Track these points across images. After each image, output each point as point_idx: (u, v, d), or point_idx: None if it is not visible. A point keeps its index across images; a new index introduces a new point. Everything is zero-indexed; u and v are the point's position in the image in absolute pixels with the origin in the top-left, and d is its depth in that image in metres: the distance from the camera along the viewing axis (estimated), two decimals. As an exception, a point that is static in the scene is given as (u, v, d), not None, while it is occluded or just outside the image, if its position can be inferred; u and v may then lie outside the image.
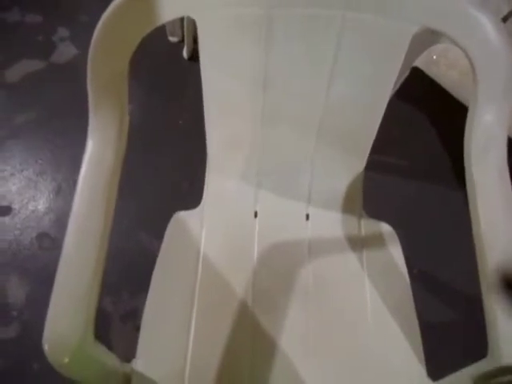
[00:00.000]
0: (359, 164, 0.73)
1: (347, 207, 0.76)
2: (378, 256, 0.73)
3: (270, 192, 0.77)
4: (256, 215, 0.76)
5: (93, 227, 0.50)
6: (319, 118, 0.67)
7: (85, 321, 0.47)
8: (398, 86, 1.02)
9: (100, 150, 0.52)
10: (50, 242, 1.13)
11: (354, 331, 0.67)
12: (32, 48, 1.37)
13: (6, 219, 1.15)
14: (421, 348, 0.64)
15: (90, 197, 0.50)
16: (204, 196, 0.76)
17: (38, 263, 1.11)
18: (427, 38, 0.85)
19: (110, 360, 0.55)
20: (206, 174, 0.76)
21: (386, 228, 0.75)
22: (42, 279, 1.08)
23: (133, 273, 1.05)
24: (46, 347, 0.46)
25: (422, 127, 1.28)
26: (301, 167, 0.75)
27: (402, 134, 1.24)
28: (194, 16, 0.52)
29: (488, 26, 0.51)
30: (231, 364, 0.63)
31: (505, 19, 0.81)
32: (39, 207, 1.17)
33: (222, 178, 0.76)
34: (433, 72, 0.87)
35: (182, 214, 0.75)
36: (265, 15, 0.53)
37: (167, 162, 1.23)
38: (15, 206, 1.17)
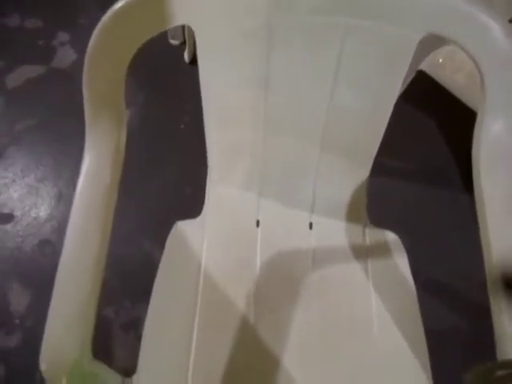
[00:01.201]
0: (363, 172, 0.71)
1: (351, 216, 0.75)
2: (384, 265, 0.71)
3: (273, 200, 0.76)
4: (258, 224, 0.75)
5: (89, 245, 0.48)
6: (322, 126, 0.65)
7: (82, 340, 0.46)
8: (402, 89, 1.00)
9: (97, 163, 0.51)
10: (52, 248, 1.13)
11: (359, 341, 0.65)
12: (32, 53, 1.36)
13: (8, 227, 1.15)
14: (427, 357, 0.63)
15: (87, 212, 0.49)
16: (205, 205, 0.75)
17: (40, 270, 1.10)
18: (433, 40, 0.83)
19: (111, 377, 0.54)
20: (207, 182, 0.75)
21: (391, 237, 0.73)
22: (44, 286, 1.07)
23: (135, 280, 1.04)
24: (42, 367, 0.45)
25: (427, 130, 1.26)
26: (304, 175, 0.74)
27: (407, 137, 1.22)
28: (192, 26, 0.50)
29: (497, 31, 0.50)
30: (233, 377, 0.62)
31: (512, 21, 0.78)
32: (41, 214, 1.16)
33: (224, 186, 0.75)
34: (438, 75, 0.85)
35: (182, 224, 0.74)
36: (266, 24, 0.51)
37: (169, 167, 1.22)
38: (17, 214, 1.16)
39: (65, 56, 1.36)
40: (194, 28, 0.50)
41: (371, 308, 0.67)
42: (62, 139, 1.23)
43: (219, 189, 0.75)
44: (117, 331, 0.98)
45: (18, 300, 1.07)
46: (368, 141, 0.65)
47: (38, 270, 1.10)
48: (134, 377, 0.61)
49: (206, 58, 0.56)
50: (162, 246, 0.70)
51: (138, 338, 0.62)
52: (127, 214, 1.12)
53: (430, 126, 1.26)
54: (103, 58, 0.48)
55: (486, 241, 0.50)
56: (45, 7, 1.43)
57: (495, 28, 0.50)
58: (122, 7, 0.48)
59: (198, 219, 0.74)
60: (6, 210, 1.16)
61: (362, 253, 0.72)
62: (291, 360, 0.63)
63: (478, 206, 0.53)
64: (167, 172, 1.21)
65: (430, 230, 1.11)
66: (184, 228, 0.73)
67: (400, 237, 0.74)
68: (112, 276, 1.03)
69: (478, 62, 0.52)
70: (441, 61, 0.84)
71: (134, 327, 0.98)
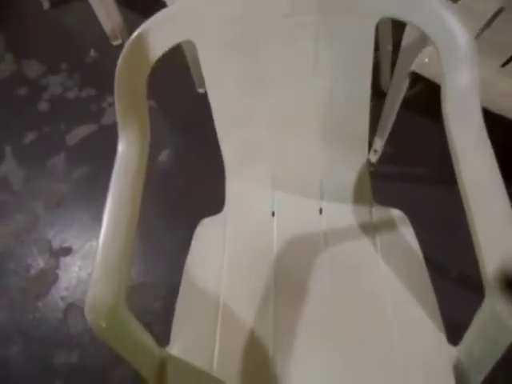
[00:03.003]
0: (362, 155, 0.79)
1: (357, 198, 0.82)
2: (391, 238, 0.76)
3: (285, 192, 0.84)
4: (273, 214, 0.83)
5: (122, 214, 0.60)
6: (316, 116, 0.76)
7: (117, 287, 0.55)
8: (401, 94, 1.09)
9: (127, 153, 0.65)
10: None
11: (372, 309, 0.69)
12: (86, 115, 1.62)
13: (68, 258, 1.31)
14: (439, 318, 0.65)
15: (121, 187, 0.61)
16: (226, 202, 0.85)
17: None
18: (416, 43, 0.94)
19: (145, 335, 0.62)
20: (226, 181, 0.85)
21: (396, 213, 0.79)
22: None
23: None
24: (87, 314, 0.55)
25: (430, 130, 1.32)
26: (310, 166, 0.83)
27: (413, 140, 1.28)
28: (193, 40, 0.65)
29: (436, 4, 0.59)
30: (254, 351, 0.67)
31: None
32: (94, 246, 1.32)
33: (240, 184, 0.85)
34: (428, 73, 0.94)
35: (207, 220, 0.84)
36: (249, 30, 0.65)
37: (201, 196, 1.34)
38: (75, 247, 1.33)
39: (112, 114, 1.58)
40: (195, 42, 0.65)
41: (382, 277, 0.72)
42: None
43: (237, 186, 0.85)
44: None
45: (76, 322, 1.19)
46: (357, 123, 0.74)
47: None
48: (168, 347, 0.68)
49: (207, 67, 0.69)
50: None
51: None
52: (166, 236, 1.24)
53: (432, 123, 1.32)
54: (129, 69, 0.63)
55: (461, 182, 0.56)
56: (98, 79, 1.72)
57: (437, 4, 0.60)
58: (141, 30, 0.64)
59: (221, 215, 0.84)
60: (66, 244, 1.33)
61: (369, 229, 0.78)
62: (310, 328, 0.68)
63: (452, 153, 0.59)
64: (200, 200, 1.33)
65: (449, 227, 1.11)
66: (208, 224, 0.83)
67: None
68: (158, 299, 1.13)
69: (431, 36, 0.61)
70: (427, 60, 0.93)
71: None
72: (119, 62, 0.64)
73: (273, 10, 0.63)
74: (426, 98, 1.37)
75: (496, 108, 0.85)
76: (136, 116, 0.67)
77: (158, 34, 0.63)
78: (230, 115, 0.78)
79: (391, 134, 1.24)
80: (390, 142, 1.27)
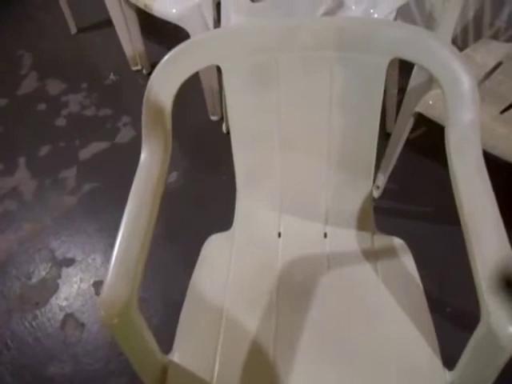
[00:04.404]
0: (367, 184, 0.83)
1: (361, 225, 0.85)
2: (392, 265, 0.79)
3: (292, 215, 0.88)
4: (280, 235, 0.87)
5: (141, 218, 0.63)
6: (326, 144, 0.81)
7: (131, 287, 0.58)
8: (405, 134, 1.15)
9: (149, 162, 0.69)
10: (105, 288, 1.27)
11: (371, 330, 0.71)
12: (101, 133, 1.68)
13: (70, 269, 1.32)
14: (436, 342, 0.67)
15: (141, 193, 0.65)
16: (234, 220, 0.89)
17: (93, 307, 1.24)
18: (421, 86, 1.01)
19: (151, 338, 0.64)
20: (236, 201, 0.89)
21: (397, 241, 0.82)
22: (95, 322, 1.20)
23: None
24: (100, 309, 0.57)
25: (431, 169, 1.39)
26: (317, 191, 0.87)
27: (414, 178, 1.35)
28: (219, 64, 0.71)
29: (445, 51, 0.66)
30: (255, 362, 0.69)
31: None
32: (97, 259, 1.34)
33: (250, 203, 0.89)
34: (432, 114, 1.01)
35: (215, 236, 0.87)
36: (273, 58, 0.71)
37: (205, 217, 1.38)
38: (78, 258, 1.35)
39: (126, 134, 1.67)
40: (221, 65, 0.71)
41: (381, 300, 0.74)
42: (119, 199, 1.44)
43: (246, 206, 0.89)
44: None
45: (73, 333, 1.19)
46: (364, 154, 0.79)
47: (90, 308, 1.24)
48: (171, 354, 0.70)
49: (231, 89, 0.75)
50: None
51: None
52: (172, 254, 1.27)
53: (432, 163, 1.38)
54: (157, 89, 0.69)
55: (460, 206, 0.60)
56: (115, 100, 1.81)
57: (444, 49, 0.66)
58: (175, 52, 0.70)
59: (229, 232, 0.88)
60: (69, 255, 1.35)
61: (371, 255, 0.81)
62: (310, 345, 0.70)
63: (453, 185, 0.64)
64: (206, 218, 1.37)
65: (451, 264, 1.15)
66: (216, 239, 0.87)
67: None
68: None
69: (437, 78, 0.67)
70: (431, 102, 1.00)
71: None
72: (152, 77, 0.69)
73: (294, 43, 0.70)
74: (427, 140, 1.45)
75: (494, 150, 0.91)
76: (160, 129, 0.72)
77: (190, 56, 0.70)
78: (246, 137, 0.83)
79: (393, 171, 1.30)
80: (391, 179, 1.32)
